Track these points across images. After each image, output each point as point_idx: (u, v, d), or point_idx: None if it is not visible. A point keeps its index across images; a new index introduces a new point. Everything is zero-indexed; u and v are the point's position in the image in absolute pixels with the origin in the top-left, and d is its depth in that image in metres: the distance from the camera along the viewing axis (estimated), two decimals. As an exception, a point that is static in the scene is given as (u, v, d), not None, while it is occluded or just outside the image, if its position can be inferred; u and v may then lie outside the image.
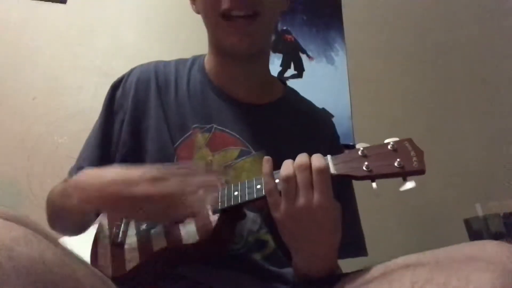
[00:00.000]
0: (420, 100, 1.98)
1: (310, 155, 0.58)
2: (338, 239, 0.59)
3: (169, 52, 1.68)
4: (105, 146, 0.80)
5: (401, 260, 0.53)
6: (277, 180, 0.57)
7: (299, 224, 0.56)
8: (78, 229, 0.72)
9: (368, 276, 0.55)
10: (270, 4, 0.74)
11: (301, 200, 0.54)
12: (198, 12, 0.79)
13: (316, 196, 0.54)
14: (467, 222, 1.62)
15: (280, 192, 0.56)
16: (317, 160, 0.55)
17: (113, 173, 0.61)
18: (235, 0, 0.69)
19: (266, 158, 0.58)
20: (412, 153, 0.55)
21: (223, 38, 0.74)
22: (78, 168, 0.80)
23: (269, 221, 0.71)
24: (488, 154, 1.94)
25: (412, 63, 2.04)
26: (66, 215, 0.70)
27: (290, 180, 0.54)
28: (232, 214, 0.63)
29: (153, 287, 0.65)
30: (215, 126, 0.77)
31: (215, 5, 0.71)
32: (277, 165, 0.59)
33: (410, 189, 0.53)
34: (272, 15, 0.77)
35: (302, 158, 0.56)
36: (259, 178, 0.61)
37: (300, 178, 0.54)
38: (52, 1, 1.62)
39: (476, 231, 1.57)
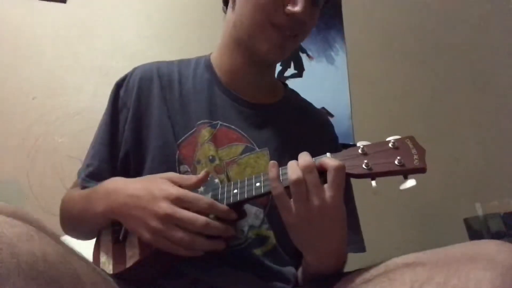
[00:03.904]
0: (420, 100, 1.98)
1: (312, 152, 0.58)
2: (346, 232, 0.59)
3: (169, 52, 1.69)
4: (113, 144, 0.80)
5: (401, 259, 0.53)
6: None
7: (312, 224, 0.55)
8: (94, 234, 0.73)
9: (368, 275, 0.55)
10: (311, 27, 0.78)
11: (314, 201, 0.54)
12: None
13: (329, 195, 0.54)
14: (467, 222, 1.62)
15: (289, 195, 0.55)
16: (332, 160, 0.55)
17: (139, 186, 0.63)
18: (292, 21, 0.72)
19: (272, 162, 0.58)
20: (413, 150, 0.54)
21: (262, 42, 0.74)
22: (87, 165, 0.80)
23: (271, 217, 0.71)
24: (488, 154, 1.94)
25: (412, 63, 2.04)
26: (86, 221, 0.72)
27: (300, 182, 0.54)
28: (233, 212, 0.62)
29: (153, 284, 0.65)
30: (220, 122, 0.78)
31: (270, 14, 0.72)
32: (280, 164, 0.59)
33: (411, 189, 0.53)
34: (306, 37, 0.81)
35: (306, 158, 0.56)
36: (258, 176, 0.61)
37: (309, 179, 0.54)
38: (52, 1, 1.62)
39: (476, 231, 1.57)
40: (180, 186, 0.62)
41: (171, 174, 0.65)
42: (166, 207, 0.58)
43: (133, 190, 0.62)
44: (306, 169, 0.54)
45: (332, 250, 0.60)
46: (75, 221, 0.76)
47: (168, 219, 0.58)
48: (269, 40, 0.74)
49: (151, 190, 0.60)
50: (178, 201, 0.59)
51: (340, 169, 0.54)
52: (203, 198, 0.60)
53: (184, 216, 0.58)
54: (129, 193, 0.63)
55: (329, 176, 0.54)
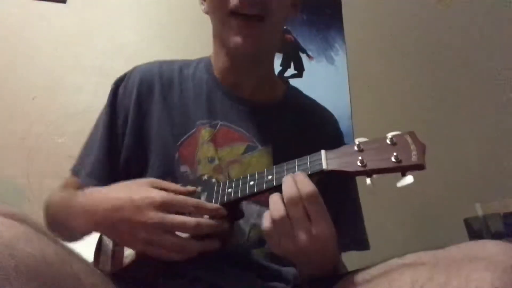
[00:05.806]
0: (420, 99, 1.98)
1: (315, 150, 0.57)
2: (336, 245, 0.58)
3: (169, 52, 1.69)
4: (111, 144, 0.79)
5: (401, 259, 0.53)
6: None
7: (303, 254, 0.54)
8: (77, 240, 0.72)
9: (368, 275, 0.55)
10: (278, 8, 0.74)
11: (301, 236, 0.52)
12: (206, 12, 0.80)
13: (316, 226, 0.52)
14: (467, 222, 1.62)
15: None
16: (304, 185, 0.52)
17: (121, 196, 0.59)
18: (246, 1, 0.69)
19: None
20: (412, 146, 0.51)
21: (228, 37, 0.74)
22: (85, 164, 0.79)
23: None
24: (488, 153, 1.94)
25: (412, 63, 2.03)
26: (68, 231, 0.69)
27: (283, 220, 0.52)
28: (228, 211, 0.62)
29: (153, 283, 0.65)
30: (220, 122, 0.78)
31: (224, 2, 0.71)
32: (283, 160, 0.59)
33: (411, 189, 0.51)
34: (278, 19, 0.77)
35: (291, 190, 0.52)
36: (253, 174, 0.60)
37: (293, 214, 0.52)
38: (52, 1, 1.62)
39: (476, 231, 1.57)
40: (166, 189, 0.60)
41: (152, 179, 0.63)
42: (153, 216, 0.56)
43: (114, 201, 0.59)
44: (291, 202, 0.52)
45: (324, 263, 0.60)
46: (56, 227, 0.73)
47: (157, 227, 0.56)
48: (232, 29, 0.72)
49: (133, 199, 0.58)
50: (163, 207, 0.57)
51: (312, 196, 0.51)
52: (189, 199, 0.59)
53: (174, 222, 0.56)
54: (110, 205, 0.59)
55: (307, 207, 0.51)
